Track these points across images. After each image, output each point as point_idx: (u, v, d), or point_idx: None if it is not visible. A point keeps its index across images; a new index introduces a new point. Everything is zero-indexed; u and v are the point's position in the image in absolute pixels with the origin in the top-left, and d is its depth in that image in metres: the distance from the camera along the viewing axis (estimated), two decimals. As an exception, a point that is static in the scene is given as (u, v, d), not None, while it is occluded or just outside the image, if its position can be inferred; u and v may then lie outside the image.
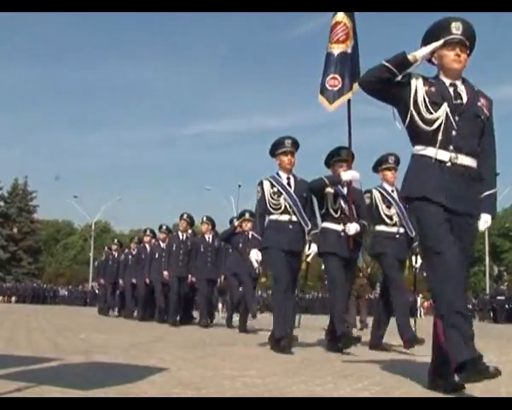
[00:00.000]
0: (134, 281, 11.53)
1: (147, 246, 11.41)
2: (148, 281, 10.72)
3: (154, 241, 11.31)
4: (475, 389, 2.75)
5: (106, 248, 15.27)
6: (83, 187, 76.07)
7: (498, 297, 24.72)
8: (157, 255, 10.56)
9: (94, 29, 79.47)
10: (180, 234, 9.79)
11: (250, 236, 7.85)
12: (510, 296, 25.17)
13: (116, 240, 14.73)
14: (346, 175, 5.05)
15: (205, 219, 9.65)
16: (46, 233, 58.31)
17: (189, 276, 9.64)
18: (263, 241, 5.08)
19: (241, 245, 8.32)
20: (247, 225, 8.25)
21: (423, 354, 4.96)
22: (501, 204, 43.28)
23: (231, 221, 9.43)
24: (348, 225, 5.02)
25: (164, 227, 10.98)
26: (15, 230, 47.30)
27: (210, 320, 9.77)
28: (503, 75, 71.56)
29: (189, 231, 10.02)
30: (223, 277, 9.62)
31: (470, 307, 26.25)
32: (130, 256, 12.40)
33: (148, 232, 11.87)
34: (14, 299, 36.06)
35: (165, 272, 9.65)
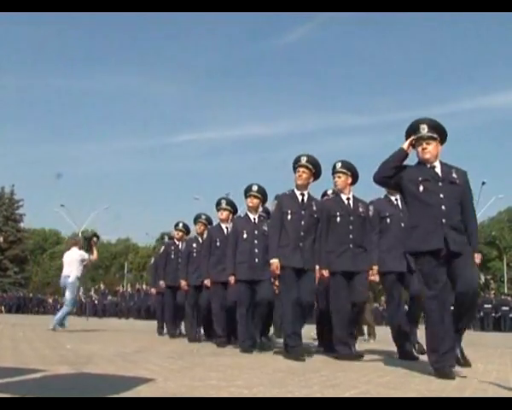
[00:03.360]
0: (207, 282, 7.28)
1: (223, 226, 7.25)
2: (232, 280, 6.31)
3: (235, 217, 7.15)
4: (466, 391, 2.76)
5: (166, 239, 10.39)
6: (70, 196, 75.80)
7: (485, 305, 24.88)
8: (245, 236, 6.28)
9: (82, 39, 79.46)
10: (299, 195, 5.47)
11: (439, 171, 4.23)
12: (497, 305, 25.36)
13: (181, 224, 9.52)
14: None
15: (340, 165, 5.62)
16: (33, 242, 57.91)
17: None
18: None
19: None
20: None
21: (417, 364, 4.98)
22: (486, 213, 43.83)
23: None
24: None
25: (254, 188, 6.32)
26: (1, 239, 46.87)
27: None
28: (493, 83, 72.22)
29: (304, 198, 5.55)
30: (377, 269, 5.63)
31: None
32: (194, 245, 8.22)
33: (223, 204, 7.34)
34: (3, 309, 35.66)
35: (275, 260, 5.32)
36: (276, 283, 6.17)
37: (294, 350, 5.13)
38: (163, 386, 3.06)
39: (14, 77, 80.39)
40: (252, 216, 6.36)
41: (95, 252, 10.58)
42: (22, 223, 50.37)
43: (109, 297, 34.31)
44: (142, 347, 6.52)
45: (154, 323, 10.96)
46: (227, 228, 7.11)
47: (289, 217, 5.37)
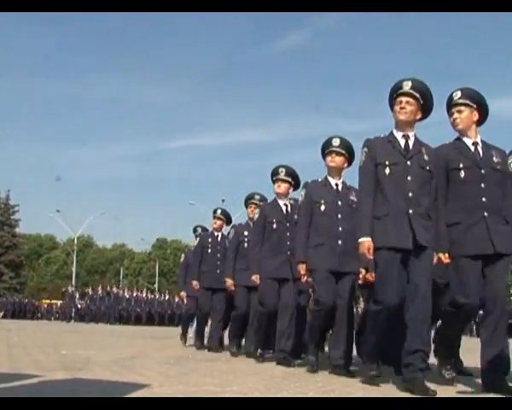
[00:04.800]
0: (255, 278, 5.47)
1: (281, 203, 5.47)
2: (302, 270, 4.56)
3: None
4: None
5: (199, 231, 8.52)
6: (65, 201, 75.65)
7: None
8: (324, 207, 4.52)
9: (77, 44, 79.43)
10: (400, 138, 3.73)
11: None
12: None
13: (220, 210, 7.72)
14: None
15: (459, 95, 3.76)
16: (28, 247, 57.67)
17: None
18: None
19: None
20: None
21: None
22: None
23: None
24: None
25: (336, 142, 4.55)
26: (-3, 244, 46.76)
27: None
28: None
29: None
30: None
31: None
32: (245, 232, 6.48)
33: (282, 174, 5.44)
34: (1, 314, 35.40)
35: (366, 239, 3.54)
36: (369, 276, 4.46)
37: (370, 377, 3.64)
38: (158, 392, 3.06)
39: (10, 81, 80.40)
40: (333, 181, 4.53)
41: None
42: (18, 228, 50.18)
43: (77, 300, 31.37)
44: (138, 352, 6.51)
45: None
46: (286, 205, 5.46)
47: (387, 171, 3.53)
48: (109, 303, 28.03)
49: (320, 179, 4.63)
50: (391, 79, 3.69)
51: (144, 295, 29.54)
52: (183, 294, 8.81)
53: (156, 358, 5.74)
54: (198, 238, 7.91)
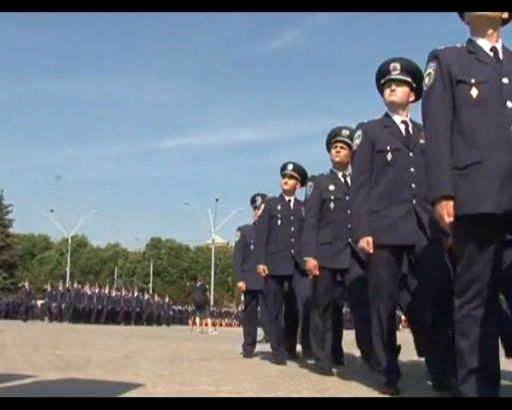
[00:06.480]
0: (365, 244, 3.27)
1: (397, 119, 3.40)
2: (447, 217, 2.25)
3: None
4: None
5: (259, 201, 6.57)
6: (59, 201, 75.50)
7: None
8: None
9: (72, 43, 79.25)
10: None
11: None
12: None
13: (291, 165, 5.34)
14: None
15: None
16: (22, 247, 57.54)
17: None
18: None
19: None
20: None
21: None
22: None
23: None
24: None
25: None
26: (-10, 244, 46.62)
27: None
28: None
29: None
30: None
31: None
32: (330, 187, 4.35)
33: (394, 73, 3.41)
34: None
35: None
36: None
37: None
38: (152, 392, 3.06)
39: (6, 80, 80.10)
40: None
41: None
42: (11, 228, 50.07)
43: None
44: (133, 352, 6.50)
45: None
46: (407, 124, 3.41)
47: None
48: (70, 300, 25.79)
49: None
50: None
51: (107, 291, 27.54)
52: (241, 284, 6.57)
53: (150, 357, 5.74)
54: (264, 205, 5.72)
